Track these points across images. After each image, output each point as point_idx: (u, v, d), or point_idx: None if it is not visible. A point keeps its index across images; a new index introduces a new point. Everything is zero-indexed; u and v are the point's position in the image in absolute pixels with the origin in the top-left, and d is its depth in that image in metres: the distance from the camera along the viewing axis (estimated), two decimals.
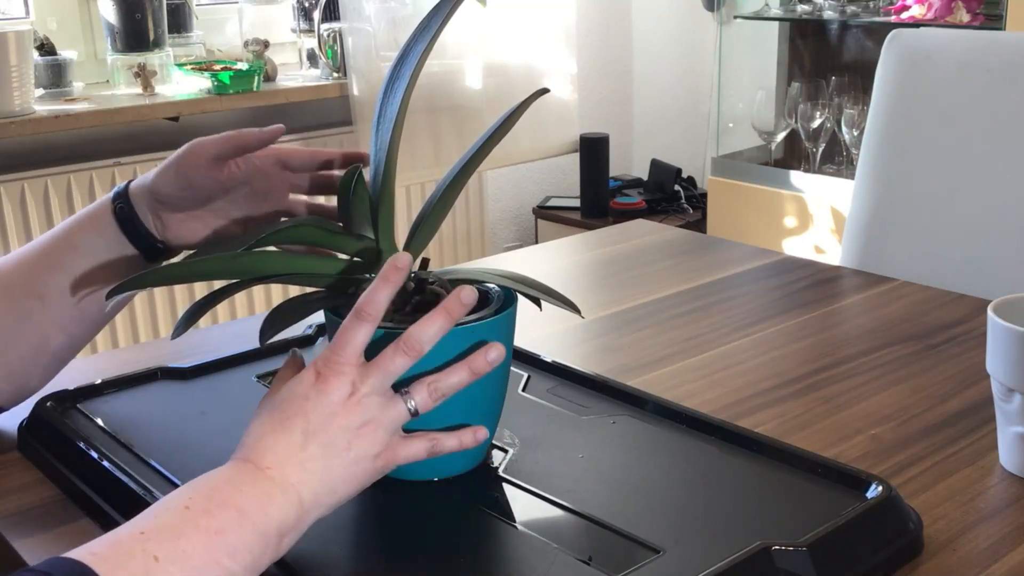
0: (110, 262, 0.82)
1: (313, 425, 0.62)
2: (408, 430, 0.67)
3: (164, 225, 0.82)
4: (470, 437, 0.68)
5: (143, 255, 0.83)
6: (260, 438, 0.62)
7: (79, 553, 0.54)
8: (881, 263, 1.35)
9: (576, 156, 3.03)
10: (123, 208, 0.81)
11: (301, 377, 0.64)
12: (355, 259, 0.73)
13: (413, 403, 0.65)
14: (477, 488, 0.72)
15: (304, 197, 0.87)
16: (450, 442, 0.67)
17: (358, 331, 0.64)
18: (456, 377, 0.66)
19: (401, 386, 0.65)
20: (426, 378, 0.66)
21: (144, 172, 2.53)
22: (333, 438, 0.62)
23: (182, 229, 0.82)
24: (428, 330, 0.64)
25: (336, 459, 0.62)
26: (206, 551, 0.56)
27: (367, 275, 0.72)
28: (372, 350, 0.67)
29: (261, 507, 0.59)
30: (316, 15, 2.53)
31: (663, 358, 0.99)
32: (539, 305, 0.74)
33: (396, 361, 0.64)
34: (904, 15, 2.44)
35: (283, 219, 0.85)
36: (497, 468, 0.74)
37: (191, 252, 0.82)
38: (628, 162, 3.40)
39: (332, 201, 0.76)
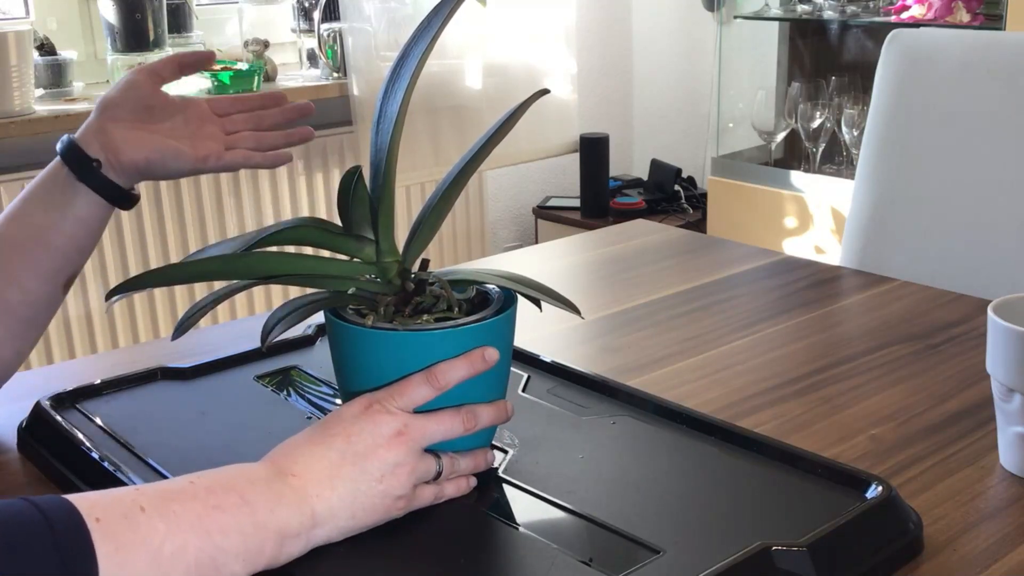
0: (59, 208, 0.87)
1: (355, 448, 0.65)
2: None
3: (114, 145, 0.88)
4: (464, 484, 0.71)
5: (103, 196, 0.88)
6: (295, 448, 0.65)
7: (70, 495, 0.56)
8: (881, 263, 1.35)
9: (576, 156, 3.02)
10: (70, 152, 0.88)
11: (351, 404, 0.67)
12: (355, 259, 0.73)
13: (440, 466, 0.69)
14: (477, 489, 0.72)
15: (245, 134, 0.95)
16: (449, 489, 0.70)
17: (421, 390, 0.68)
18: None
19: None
20: (452, 453, 0.70)
21: None
22: (370, 466, 0.65)
23: (131, 141, 0.88)
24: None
25: (365, 486, 0.64)
26: (197, 519, 0.57)
27: (367, 276, 0.72)
28: (373, 341, 0.69)
29: (268, 503, 0.61)
30: (316, 15, 2.53)
31: (663, 358, 0.99)
32: (539, 306, 0.74)
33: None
34: (904, 15, 2.44)
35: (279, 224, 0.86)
36: (497, 469, 0.74)
37: (193, 253, 0.83)
38: (628, 162, 3.40)
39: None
